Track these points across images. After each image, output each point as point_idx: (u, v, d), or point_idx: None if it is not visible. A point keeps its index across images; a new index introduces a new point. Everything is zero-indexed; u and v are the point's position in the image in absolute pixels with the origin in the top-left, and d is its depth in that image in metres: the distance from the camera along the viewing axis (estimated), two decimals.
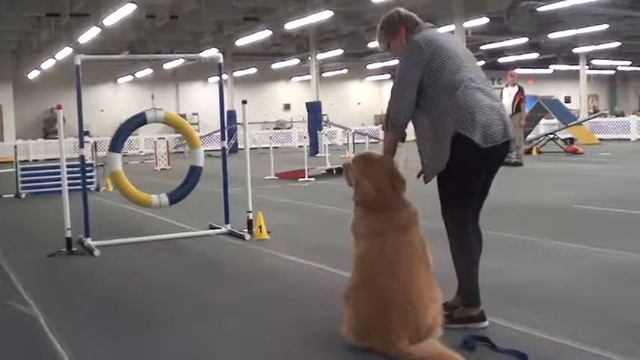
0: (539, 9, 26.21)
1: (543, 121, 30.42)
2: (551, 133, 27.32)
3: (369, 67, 47.56)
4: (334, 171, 18.99)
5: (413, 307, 4.42)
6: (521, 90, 19.68)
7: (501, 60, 42.03)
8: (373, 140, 28.81)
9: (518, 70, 27.49)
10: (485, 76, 5.37)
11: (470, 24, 25.96)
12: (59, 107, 9.10)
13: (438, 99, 4.94)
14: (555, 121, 29.23)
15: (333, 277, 6.82)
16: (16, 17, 27.42)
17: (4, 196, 16.54)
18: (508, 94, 19.72)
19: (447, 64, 4.94)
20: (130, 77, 43.26)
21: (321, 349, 4.74)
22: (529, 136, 26.81)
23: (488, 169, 5.27)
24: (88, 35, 26.76)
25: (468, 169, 5.00)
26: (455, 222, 5.22)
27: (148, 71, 41.62)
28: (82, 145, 9.25)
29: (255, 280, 7.10)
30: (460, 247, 5.19)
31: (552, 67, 47.29)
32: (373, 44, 33.92)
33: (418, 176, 5.42)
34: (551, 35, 33.03)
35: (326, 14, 24.31)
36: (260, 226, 9.24)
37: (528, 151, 23.77)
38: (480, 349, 4.51)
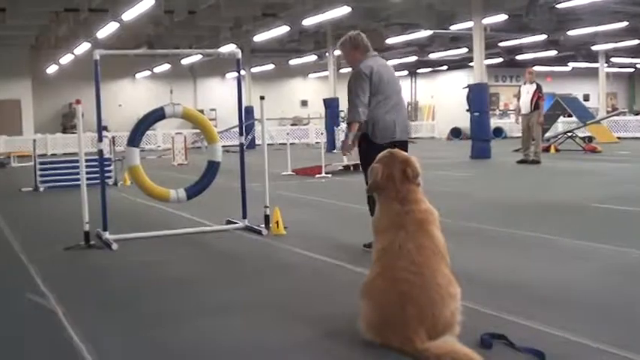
0: (558, 6, 26.08)
1: (561, 119, 30.30)
2: (569, 131, 27.22)
3: (387, 63, 47.40)
4: (351, 168, 18.96)
5: (431, 301, 4.42)
6: (539, 88, 19.62)
7: (520, 57, 41.84)
8: None
9: (537, 68, 27.45)
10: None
11: (488, 21, 25.85)
12: (78, 102, 9.12)
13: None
14: (574, 119, 29.11)
15: (349, 273, 6.82)
16: (35, 12, 27.50)
17: (23, 189, 16.63)
18: (526, 92, 19.68)
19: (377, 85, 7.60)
20: (148, 72, 43.35)
21: (337, 344, 4.74)
22: (547, 134, 26.73)
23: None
24: (107, 30, 26.83)
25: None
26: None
27: (166, 67, 41.70)
28: (100, 140, 9.28)
29: (271, 275, 7.11)
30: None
31: (571, 65, 47.00)
32: (391, 40, 33.90)
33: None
34: (570, 32, 32.83)
35: (344, 10, 24.29)
36: (277, 222, 9.25)
37: (546, 149, 23.69)
38: (497, 347, 4.50)
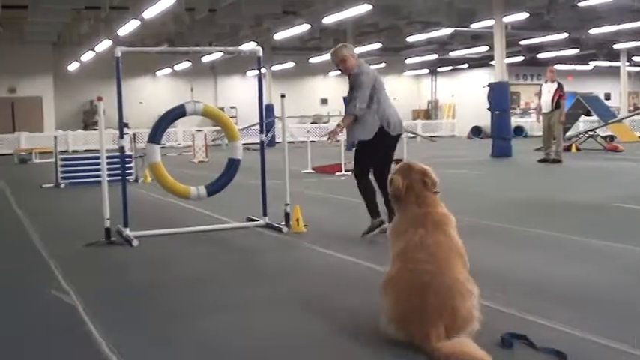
0: (580, 4, 25.95)
1: (583, 118, 30.15)
2: (590, 131, 27.09)
3: (407, 61, 47.38)
4: None
5: (450, 293, 4.45)
6: (560, 86, 19.51)
7: (541, 56, 41.68)
8: (411, 135, 28.73)
9: (558, 66, 27.29)
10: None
11: (509, 19, 25.78)
12: (100, 99, 9.15)
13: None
14: (595, 118, 28.97)
15: (368, 270, 6.82)
16: (57, 10, 27.66)
17: (44, 186, 16.74)
18: (547, 91, 19.57)
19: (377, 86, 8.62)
20: (168, 70, 43.48)
21: (356, 341, 4.73)
22: (568, 133, 26.59)
23: (383, 149, 8.70)
24: (128, 28, 26.93)
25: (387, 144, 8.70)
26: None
27: (186, 64, 41.81)
28: (121, 137, 9.31)
29: (291, 272, 7.10)
30: (365, 187, 8.84)
31: (592, 64, 46.76)
32: (412, 38, 33.85)
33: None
34: (592, 31, 32.66)
35: (364, 8, 24.26)
36: (297, 219, 9.25)
37: (567, 149, 23.57)
38: (518, 347, 4.48)
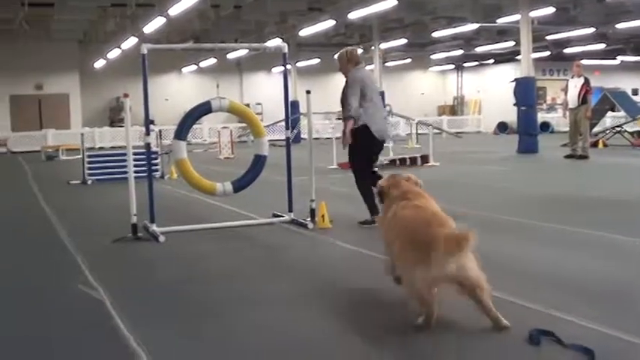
0: None
1: (610, 113, 29.92)
2: (618, 126, 26.89)
3: (433, 57, 47.22)
4: (397, 162, 18.91)
5: (447, 221, 5.01)
6: (587, 81, 19.36)
7: (567, 51, 41.35)
8: (436, 131, 28.66)
9: (585, 61, 27.02)
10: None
11: (536, 14, 25.60)
12: (126, 96, 9.20)
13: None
14: (622, 113, 28.71)
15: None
16: (83, 7, 27.81)
17: (72, 182, 16.85)
18: (574, 86, 19.44)
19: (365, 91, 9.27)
20: (194, 67, 43.57)
21: (382, 336, 4.74)
22: (595, 129, 26.40)
23: (376, 149, 9.52)
24: (153, 25, 27.00)
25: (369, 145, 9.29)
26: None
27: (212, 61, 41.87)
28: (147, 133, 9.36)
29: (317, 268, 7.12)
30: (363, 184, 9.21)
31: (619, 59, 46.34)
32: (437, 34, 33.74)
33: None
34: (619, 25, 32.35)
35: (390, 3, 24.16)
36: (323, 215, 9.26)
37: (594, 144, 23.40)
38: (546, 344, 4.46)
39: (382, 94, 32.53)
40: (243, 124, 26.01)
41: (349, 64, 9.45)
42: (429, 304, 4.75)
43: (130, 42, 31.18)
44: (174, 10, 23.81)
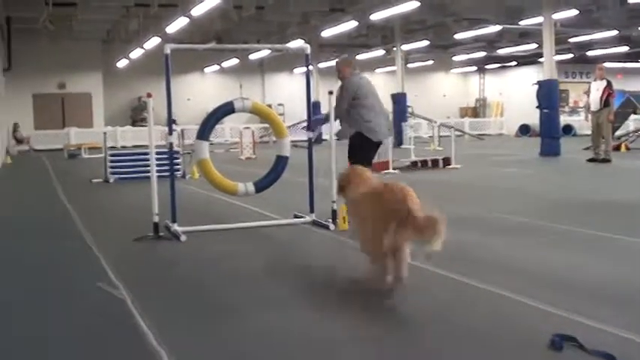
0: (630, 0, 25.58)
1: (633, 116, 29.74)
2: None
3: (455, 58, 47.13)
4: (419, 164, 18.89)
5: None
6: (609, 84, 19.24)
7: (590, 53, 41.15)
8: (458, 133, 28.58)
9: (607, 64, 26.86)
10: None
11: (558, 16, 25.48)
12: (149, 95, 9.23)
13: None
14: None
15: (415, 269, 6.75)
16: (106, 7, 27.93)
17: (94, 180, 16.95)
18: (596, 89, 19.33)
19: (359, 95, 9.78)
20: (216, 67, 43.66)
21: (402, 339, 4.72)
22: (618, 132, 26.23)
23: (372, 150, 9.94)
24: (176, 25, 27.07)
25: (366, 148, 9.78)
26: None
27: (234, 61, 41.95)
28: (170, 133, 9.40)
29: (338, 269, 7.11)
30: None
31: None
32: (459, 35, 33.64)
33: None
34: None
35: (412, 5, 24.10)
36: (344, 217, 9.22)
37: (617, 148, 23.24)
38: (568, 350, 4.43)
39: (404, 96, 32.79)
40: (265, 125, 26.03)
41: (347, 69, 9.98)
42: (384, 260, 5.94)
43: (153, 42, 31.29)
44: (196, 11, 23.86)
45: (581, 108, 33.07)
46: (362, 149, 9.70)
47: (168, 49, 9.20)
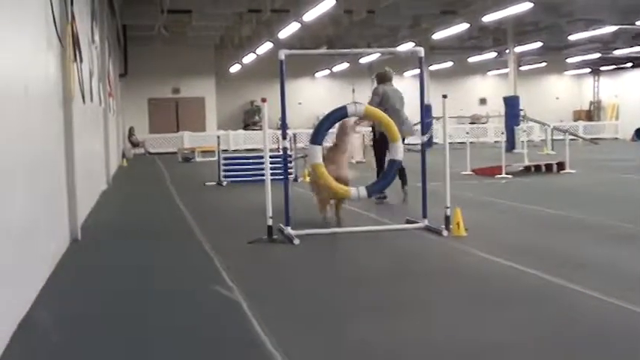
0: None
1: None
2: None
3: (569, 60, 46.14)
4: (532, 168, 18.55)
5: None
6: None
7: None
8: (572, 137, 27.96)
9: None
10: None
11: None
12: (264, 100, 9.31)
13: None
14: None
15: (537, 280, 6.59)
16: (220, 14, 28.40)
17: (207, 183, 17.25)
18: None
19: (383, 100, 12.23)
20: (327, 71, 43.93)
21: (507, 351, 4.64)
22: None
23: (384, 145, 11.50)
24: (288, 31, 27.33)
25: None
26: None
27: (344, 65, 42.12)
28: (284, 137, 9.48)
29: (450, 277, 7.02)
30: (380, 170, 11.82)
31: None
32: (574, 37, 32.95)
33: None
34: None
35: (525, 6, 23.72)
36: (458, 223, 9.10)
37: None
38: None
39: (516, 98, 32.29)
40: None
41: (381, 81, 12.77)
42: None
43: (265, 47, 31.69)
44: (308, 16, 24.03)
45: None
46: (382, 145, 11.98)
47: (282, 54, 9.27)
